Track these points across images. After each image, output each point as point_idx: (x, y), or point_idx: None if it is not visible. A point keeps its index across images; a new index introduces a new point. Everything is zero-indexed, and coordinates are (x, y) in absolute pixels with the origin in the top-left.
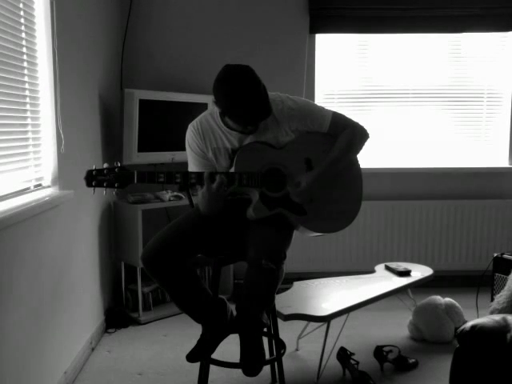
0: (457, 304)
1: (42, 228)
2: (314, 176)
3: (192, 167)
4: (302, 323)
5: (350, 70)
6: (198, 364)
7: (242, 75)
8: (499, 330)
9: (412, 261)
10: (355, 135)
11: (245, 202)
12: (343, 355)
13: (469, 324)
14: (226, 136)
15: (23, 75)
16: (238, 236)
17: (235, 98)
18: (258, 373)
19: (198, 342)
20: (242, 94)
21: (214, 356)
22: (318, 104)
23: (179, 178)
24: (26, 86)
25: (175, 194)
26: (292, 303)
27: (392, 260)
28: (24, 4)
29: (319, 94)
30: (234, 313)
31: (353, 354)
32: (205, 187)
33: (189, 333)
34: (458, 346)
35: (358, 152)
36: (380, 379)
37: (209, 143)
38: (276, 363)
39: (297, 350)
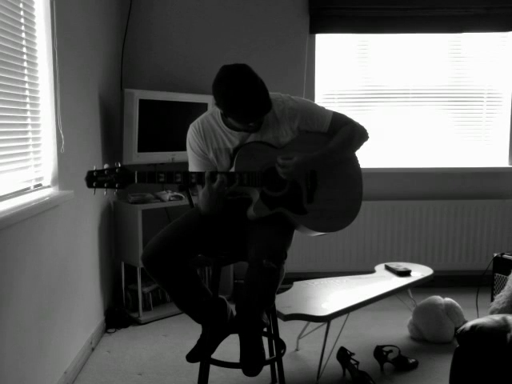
0: (457, 304)
1: (41, 228)
2: (307, 158)
3: (192, 167)
4: (302, 323)
5: (350, 70)
6: (198, 364)
7: (238, 73)
8: (499, 330)
9: (412, 261)
10: (354, 132)
11: (245, 201)
12: (343, 355)
13: (469, 324)
14: (227, 136)
15: (23, 75)
16: (238, 236)
17: (234, 96)
18: (257, 373)
19: (198, 341)
20: (239, 91)
21: (214, 356)
22: (319, 104)
23: (180, 177)
24: (26, 86)
25: (175, 193)
26: (292, 303)
27: (392, 260)
28: (24, 4)
29: (319, 94)
30: (234, 313)
31: (353, 353)
32: (205, 187)
33: (189, 333)
34: (458, 345)
35: (355, 150)
36: (380, 379)
37: (210, 144)
38: (276, 363)
39: (297, 350)
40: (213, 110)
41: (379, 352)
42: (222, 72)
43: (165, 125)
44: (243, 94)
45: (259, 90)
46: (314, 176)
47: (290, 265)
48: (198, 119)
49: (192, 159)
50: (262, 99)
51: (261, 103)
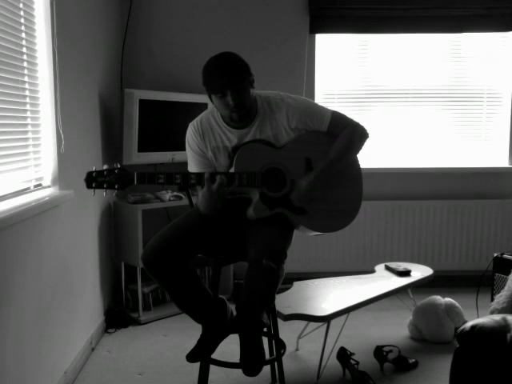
0: (457, 304)
1: (41, 228)
2: (314, 177)
3: (191, 166)
4: (302, 323)
5: (350, 70)
6: (198, 364)
7: (221, 53)
8: (499, 330)
9: (412, 261)
10: (355, 135)
11: (245, 201)
12: (343, 355)
13: (469, 324)
14: (225, 134)
15: (23, 75)
16: (238, 236)
17: (210, 65)
18: (257, 373)
19: (198, 341)
20: (216, 60)
21: (214, 356)
22: (319, 104)
23: (179, 178)
24: (26, 86)
25: (175, 193)
26: (292, 303)
27: (392, 260)
28: (24, 4)
29: (319, 94)
30: (234, 313)
31: (353, 353)
32: (205, 188)
33: (189, 333)
34: (457, 345)
35: (357, 152)
36: (380, 379)
37: (208, 142)
38: (276, 363)
39: (297, 350)
40: (212, 109)
41: (379, 352)
42: None
43: (165, 125)
44: (218, 61)
45: (234, 60)
46: None
47: (290, 265)
48: (197, 118)
49: (191, 158)
50: (235, 65)
51: (233, 68)
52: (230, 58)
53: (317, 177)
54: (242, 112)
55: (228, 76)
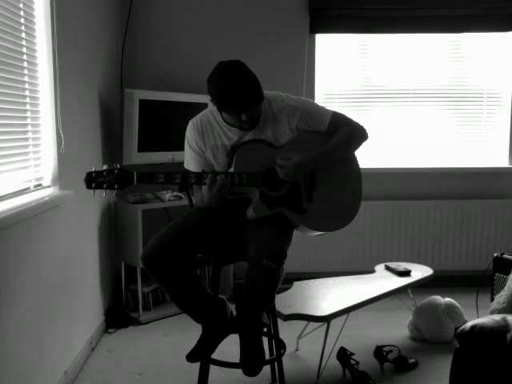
0: (457, 304)
1: (41, 228)
2: (305, 159)
3: (189, 163)
4: (302, 323)
5: (350, 70)
6: (198, 364)
7: (231, 67)
8: (499, 330)
9: (412, 261)
10: (354, 132)
11: (245, 201)
12: (343, 355)
13: (469, 324)
14: (224, 133)
15: (23, 75)
16: (237, 236)
17: (225, 88)
18: (257, 373)
19: (198, 341)
20: (230, 82)
21: (214, 356)
22: (319, 104)
23: (179, 178)
24: (26, 86)
25: (175, 193)
26: (292, 303)
27: (392, 260)
28: (24, 4)
29: (319, 93)
30: (234, 313)
31: (353, 353)
32: (206, 188)
33: (189, 333)
34: (458, 345)
35: (354, 149)
36: (380, 379)
37: (207, 141)
38: (276, 363)
39: (297, 350)
40: (212, 108)
41: (379, 352)
42: (216, 67)
43: (165, 125)
44: (233, 84)
45: (250, 82)
46: (313, 176)
47: (290, 265)
48: (197, 116)
49: (190, 157)
50: (252, 91)
51: (251, 94)
52: (244, 80)
53: (308, 159)
54: (253, 124)
55: (245, 103)
